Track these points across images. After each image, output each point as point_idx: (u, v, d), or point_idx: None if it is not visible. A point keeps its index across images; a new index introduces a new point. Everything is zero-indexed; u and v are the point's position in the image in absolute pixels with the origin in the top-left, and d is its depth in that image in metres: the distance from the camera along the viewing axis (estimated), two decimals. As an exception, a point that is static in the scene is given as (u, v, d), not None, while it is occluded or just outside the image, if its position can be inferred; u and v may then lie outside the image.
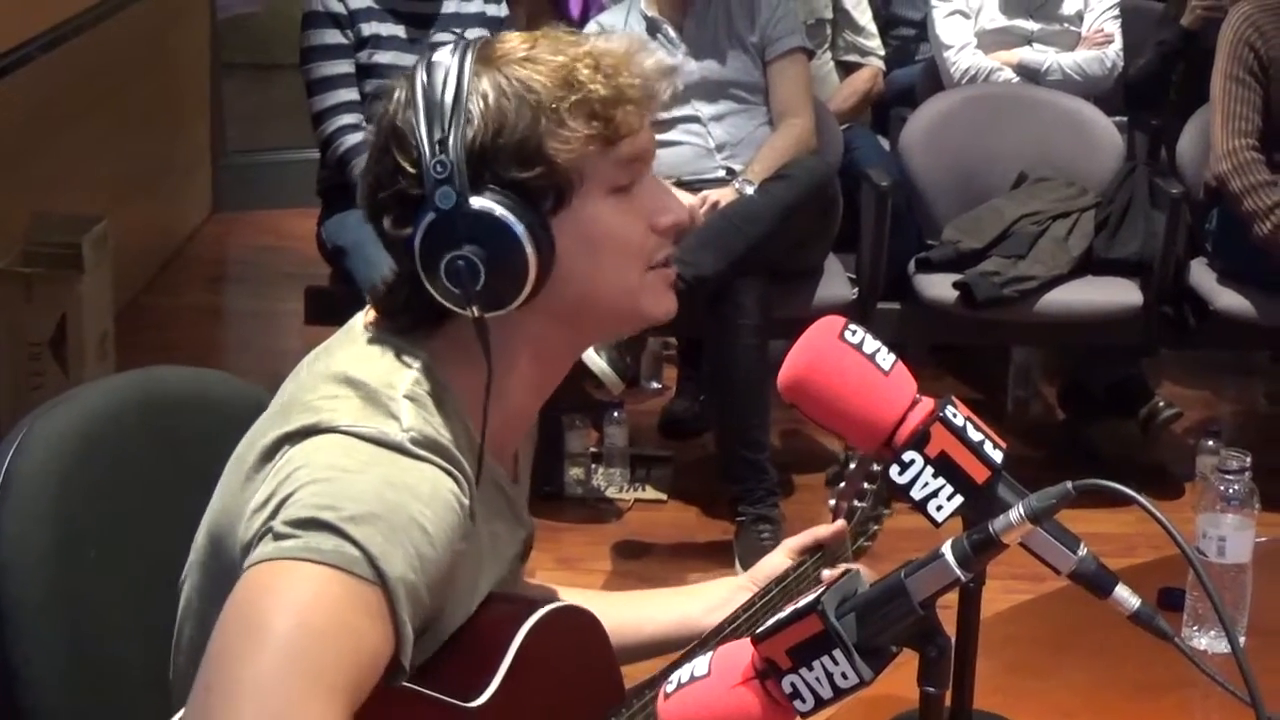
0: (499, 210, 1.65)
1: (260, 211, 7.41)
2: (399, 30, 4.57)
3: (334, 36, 4.54)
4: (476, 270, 1.65)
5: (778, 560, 2.06)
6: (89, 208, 5.31)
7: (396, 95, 1.71)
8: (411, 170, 1.67)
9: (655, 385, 5.55)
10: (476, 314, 1.66)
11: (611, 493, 4.79)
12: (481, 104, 1.67)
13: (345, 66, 4.53)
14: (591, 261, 1.72)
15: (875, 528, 2.12)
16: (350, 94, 4.53)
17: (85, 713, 1.78)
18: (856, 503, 2.09)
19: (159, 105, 6.82)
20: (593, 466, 4.81)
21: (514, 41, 1.72)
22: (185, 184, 7.31)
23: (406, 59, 4.49)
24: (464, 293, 1.65)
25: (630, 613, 2.01)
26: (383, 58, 4.53)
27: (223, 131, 7.67)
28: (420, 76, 1.69)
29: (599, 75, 1.69)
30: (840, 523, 2.07)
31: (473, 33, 4.54)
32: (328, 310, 4.53)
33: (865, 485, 2.10)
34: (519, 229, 1.65)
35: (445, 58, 1.70)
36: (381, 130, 1.72)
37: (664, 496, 4.81)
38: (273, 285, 6.54)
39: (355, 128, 4.49)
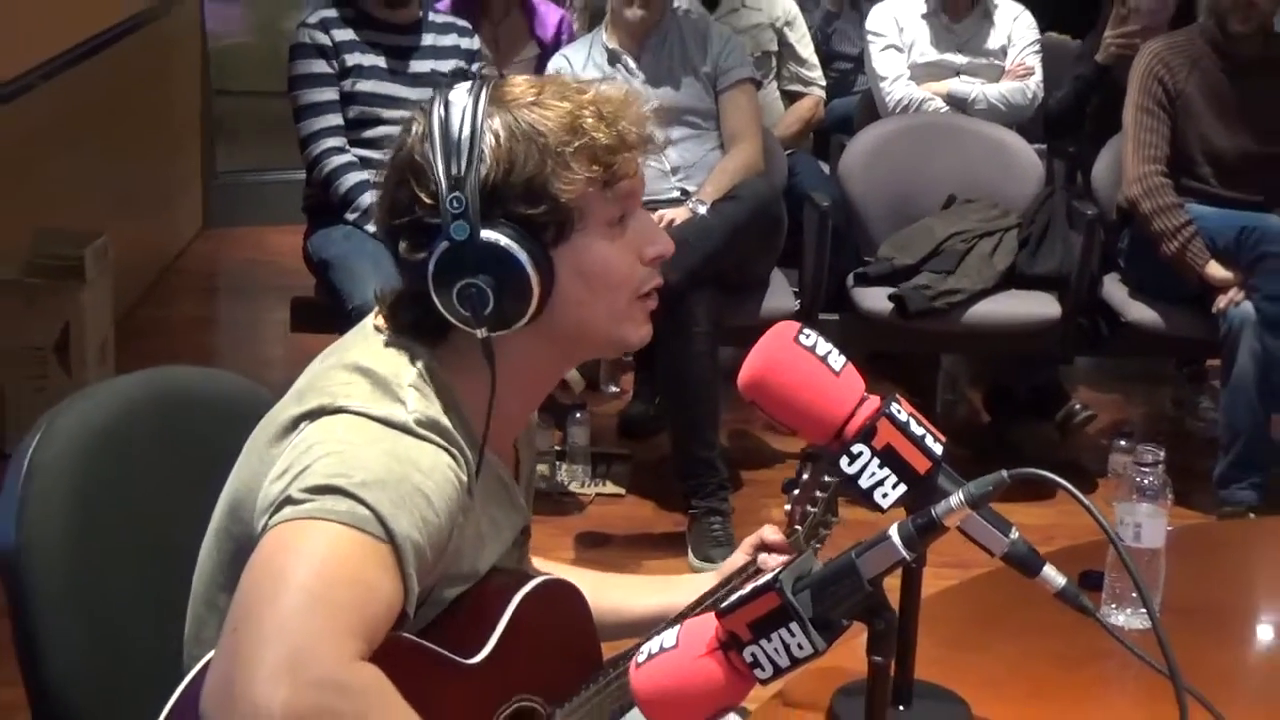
0: (508, 243, 1.68)
1: (247, 228, 7.40)
2: (380, 61, 4.57)
3: (320, 66, 4.53)
4: (486, 297, 1.68)
5: (738, 559, 2.08)
6: (90, 223, 5.29)
7: (414, 129, 1.73)
8: (428, 201, 1.70)
9: (614, 389, 5.56)
10: (484, 335, 1.69)
11: (574, 487, 4.79)
12: (493, 142, 1.69)
13: (330, 94, 4.52)
14: (586, 290, 1.75)
15: (825, 532, 2.13)
16: (335, 119, 4.52)
17: (101, 681, 1.79)
18: (809, 509, 2.11)
19: (154, 129, 6.81)
20: (557, 463, 4.82)
21: (523, 85, 1.75)
22: (178, 202, 7.30)
23: (387, 87, 4.52)
24: (474, 316, 1.68)
25: (615, 596, 2.03)
26: (365, 86, 4.53)
27: (213, 153, 7.66)
28: (437, 113, 1.71)
29: (602, 123, 1.71)
30: (768, 529, 2.09)
31: (447, 64, 4.57)
32: (312, 319, 4.53)
33: (818, 494, 2.12)
34: (525, 260, 1.68)
35: (461, 97, 1.72)
36: (399, 161, 1.74)
37: (622, 491, 4.81)
38: (259, 296, 6.52)
39: (339, 150, 4.48)
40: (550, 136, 1.70)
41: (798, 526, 2.08)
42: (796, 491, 2.11)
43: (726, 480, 4.47)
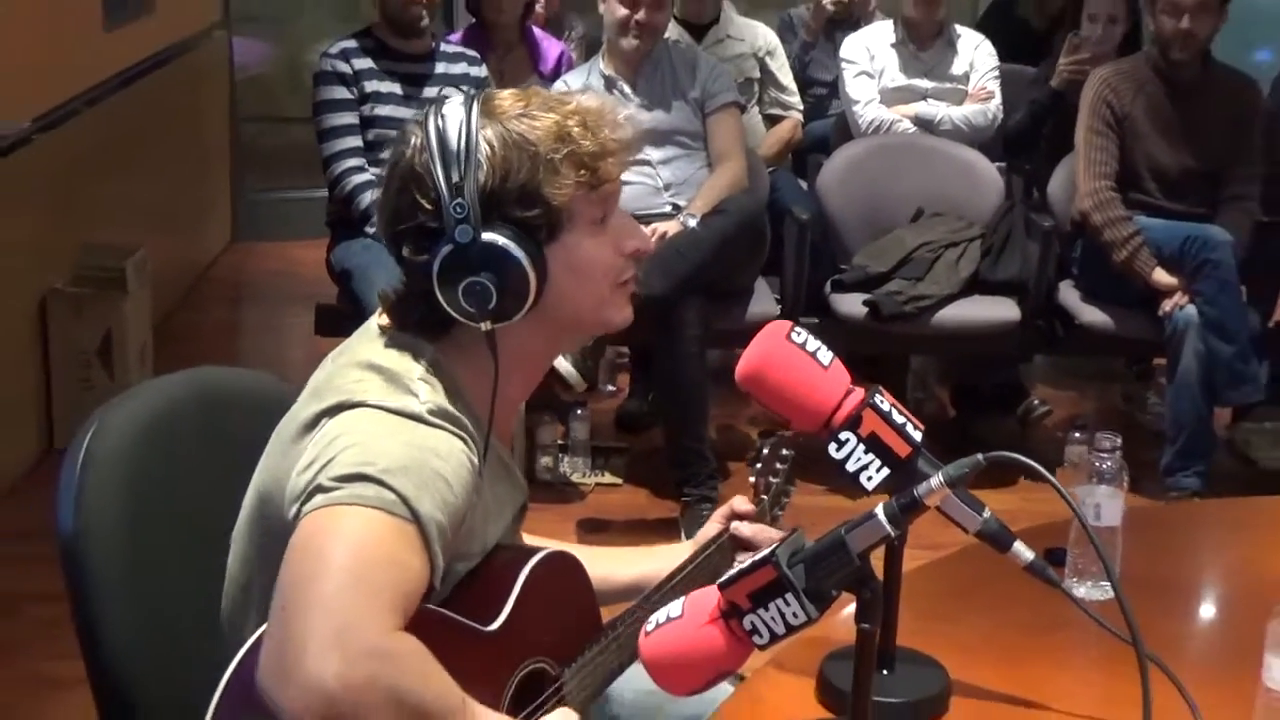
0: (507, 244, 1.69)
1: (271, 242, 7.41)
2: (396, 87, 4.58)
3: (341, 92, 4.55)
4: (489, 292, 1.68)
5: (711, 528, 2.09)
6: (130, 238, 5.31)
7: (412, 141, 1.73)
8: (429, 208, 1.69)
9: (611, 388, 5.57)
10: (488, 327, 1.70)
11: (576, 478, 4.79)
12: (488, 151, 1.69)
13: (351, 118, 4.53)
14: (575, 282, 1.75)
15: (786, 500, 2.16)
16: (355, 141, 4.53)
17: (153, 655, 1.80)
18: (772, 480, 2.13)
19: (187, 152, 6.83)
20: (560, 456, 4.82)
21: (510, 98, 1.75)
22: (209, 218, 7.31)
23: (403, 111, 4.52)
24: (478, 310, 1.69)
25: (603, 566, 2.03)
26: (382, 110, 4.54)
27: (240, 174, 7.66)
28: (434, 126, 1.71)
29: (587, 132, 1.72)
30: (739, 500, 2.11)
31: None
32: (334, 324, 4.53)
33: (778, 465, 2.14)
34: (523, 258, 1.69)
35: (454, 110, 1.72)
36: (399, 171, 1.73)
37: (620, 481, 4.82)
38: (282, 304, 6.52)
39: (360, 169, 4.49)
40: (540, 145, 1.70)
41: (763, 496, 2.11)
42: (759, 465, 2.14)
43: (715, 470, 4.48)
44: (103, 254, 5.04)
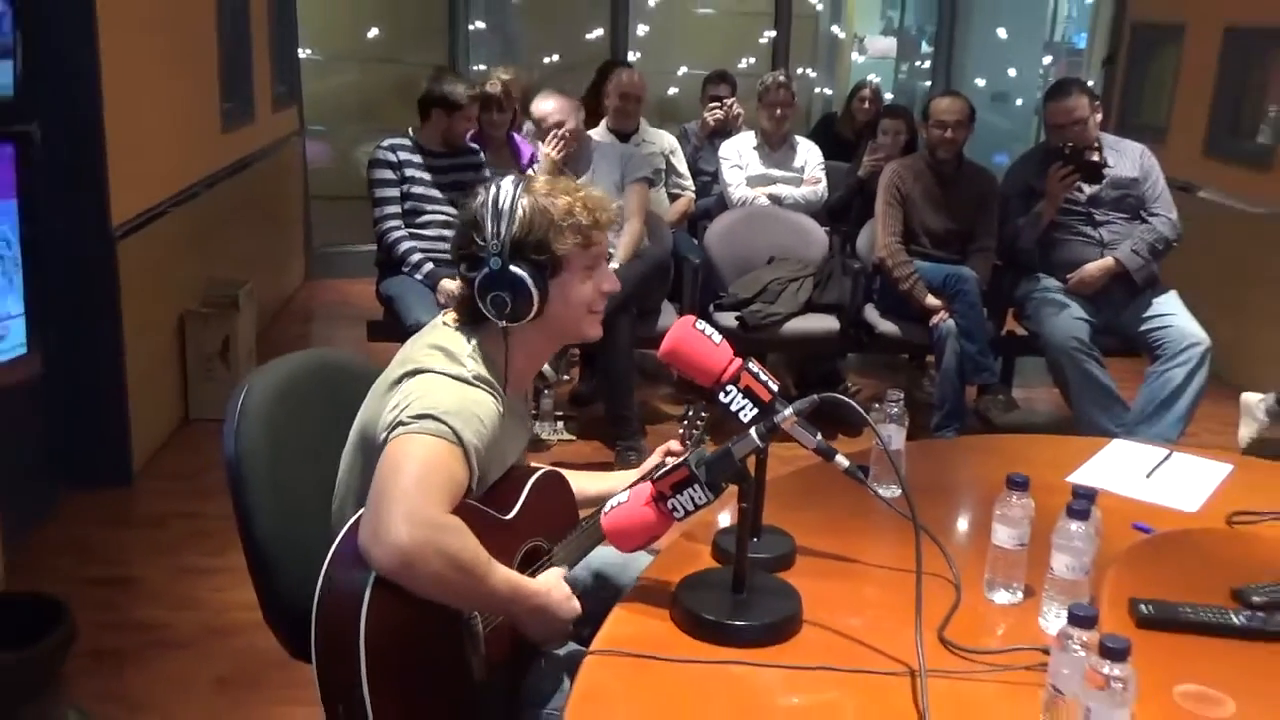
0: (521, 274, 1.75)
1: (332, 280, 7.34)
2: (426, 174, 4.51)
3: (389, 174, 4.51)
4: (505, 304, 1.75)
5: (654, 459, 2.15)
6: (240, 275, 5.28)
7: (479, 198, 1.79)
8: (480, 243, 1.76)
9: (566, 377, 5.61)
10: (503, 325, 1.77)
11: (544, 436, 4.78)
12: (521, 213, 1.75)
13: (394, 191, 4.49)
14: (565, 307, 1.82)
15: (704, 445, 2.23)
16: (397, 208, 4.49)
17: (288, 539, 1.84)
18: (694, 431, 2.20)
19: (275, 218, 6.77)
20: (533, 421, 4.81)
21: (543, 182, 1.80)
22: (289, 264, 7.24)
23: (431, 190, 4.50)
24: (498, 313, 1.75)
25: (579, 483, 2.08)
26: (416, 189, 4.51)
27: (311, 234, 7.59)
28: (492, 191, 1.77)
29: (587, 212, 1.78)
30: (673, 443, 2.16)
31: (466, 175, 4.52)
32: (380, 334, 4.49)
33: (699, 422, 2.20)
34: (530, 285, 1.75)
35: (507, 185, 1.78)
36: (467, 215, 1.79)
37: (573, 438, 4.81)
38: (340, 322, 6.47)
39: (399, 228, 4.45)
40: (555, 215, 1.76)
41: (688, 442, 2.16)
42: (685, 422, 2.19)
43: (638, 430, 4.51)
44: (222, 285, 5.03)
